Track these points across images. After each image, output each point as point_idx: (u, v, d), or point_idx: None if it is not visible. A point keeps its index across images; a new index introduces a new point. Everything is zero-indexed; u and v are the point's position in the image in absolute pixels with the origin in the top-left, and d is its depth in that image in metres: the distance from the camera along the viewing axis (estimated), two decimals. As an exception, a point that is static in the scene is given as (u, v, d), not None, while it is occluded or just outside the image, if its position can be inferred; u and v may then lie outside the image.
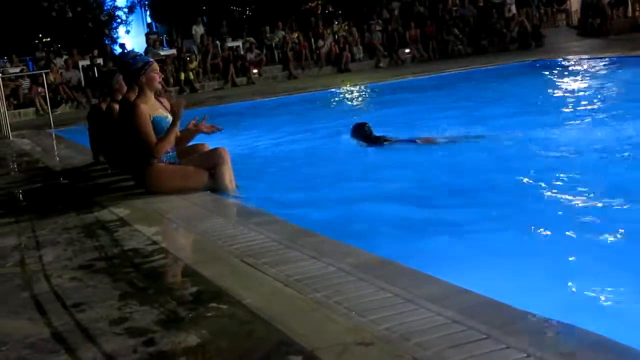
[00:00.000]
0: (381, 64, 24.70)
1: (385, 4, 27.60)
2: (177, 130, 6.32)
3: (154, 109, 6.31)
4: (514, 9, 25.76)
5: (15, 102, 20.74)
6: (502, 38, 25.10)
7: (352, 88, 18.93)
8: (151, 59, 6.66)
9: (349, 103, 17.01)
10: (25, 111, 20.60)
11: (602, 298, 3.62)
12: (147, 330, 3.09)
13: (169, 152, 6.31)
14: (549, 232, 4.79)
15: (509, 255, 4.35)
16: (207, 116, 6.66)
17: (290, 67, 24.29)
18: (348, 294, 3.21)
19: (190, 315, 3.22)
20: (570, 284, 3.80)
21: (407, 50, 25.01)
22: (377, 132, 8.67)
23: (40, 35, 27.74)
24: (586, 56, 19.13)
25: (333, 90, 18.54)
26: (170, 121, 6.28)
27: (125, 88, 7.09)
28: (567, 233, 4.74)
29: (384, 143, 8.48)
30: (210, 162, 6.27)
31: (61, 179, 8.38)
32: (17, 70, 22.11)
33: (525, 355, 2.41)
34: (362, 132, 8.67)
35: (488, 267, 4.10)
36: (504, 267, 4.12)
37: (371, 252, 3.85)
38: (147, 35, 26.29)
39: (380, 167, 7.68)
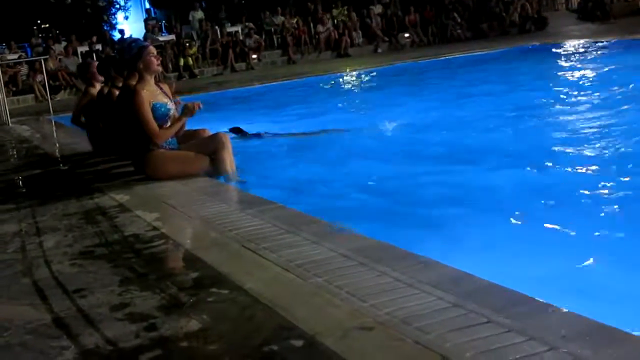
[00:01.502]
0: (379, 49, 24.64)
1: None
2: (183, 124, 6.31)
3: (154, 95, 6.29)
4: (513, -8, 25.70)
5: (14, 88, 20.70)
6: (502, 22, 25.04)
7: (352, 73, 18.90)
8: (147, 43, 6.64)
9: (348, 88, 16.99)
10: (24, 98, 20.56)
11: (604, 283, 3.62)
12: (149, 315, 3.10)
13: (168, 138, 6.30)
14: (550, 216, 4.79)
15: (510, 240, 4.36)
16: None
17: (290, 52, 24.24)
18: (349, 278, 3.22)
19: (191, 300, 3.22)
20: (572, 268, 3.80)
21: (407, 35, 24.95)
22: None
23: (39, 22, 27.64)
24: (586, 40, 19.10)
25: (332, 75, 18.51)
26: (170, 107, 6.28)
27: (99, 77, 7.14)
28: (569, 217, 4.74)
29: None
30: (211, 148, 6.26)
31: (61, 165, 8.38)
32: (16, 56, 22.05)
33: (526, 338, 2.42)
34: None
35: (489, 251, 4.11)
36: (505, 251, 4.12)
37: (372, 237, 3.85)
38: (145, 20, 26.23)
39: (379, 152, 7.66)
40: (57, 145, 10.36)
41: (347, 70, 19.36)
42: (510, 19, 25.08)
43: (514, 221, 4.77)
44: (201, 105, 6.24)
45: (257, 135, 9.06)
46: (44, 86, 18.87)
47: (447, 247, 4.09)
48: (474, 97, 11.08)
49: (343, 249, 3.64)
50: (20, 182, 7.53)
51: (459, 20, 25.28)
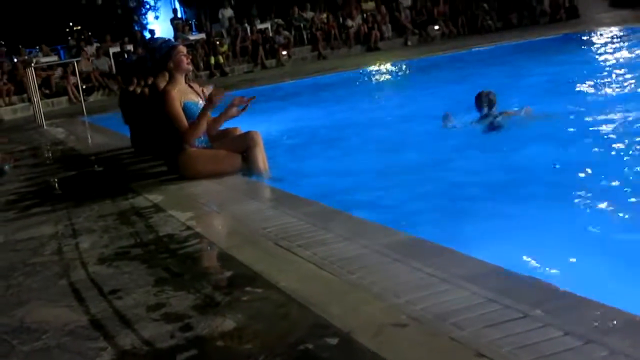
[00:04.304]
0: (409, 42, 24.55)
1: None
2: (209, 117, 6.32)
3: (185, 94, 6.33)
4: (543, -19, 25.42)
5: (47, 91, 20.92)
6: (532, 11, 24.80)
7: (383, 66, 18.84)
8: (176, 43, 6.69)
9: (380, 82, 16.94)
10: (58, 100, 20.78)
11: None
12: (184, 315, 3.11)
13: (200, 137, 6.33)
14: (590, 212, 4.71)
15: (546, 233, 4.30)
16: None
17: (320, 47, 24.24)
18: (383, 274, 3.20)
19: (226, 299, 3.23)
20: (610, 261, 3.74)
21: (436, 27, 24.82)
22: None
23: (71, 24, 27.93)
24: (619, 27, 18.83)
25: (363, 69, 18.45)
26: (201, 106, 6.30)
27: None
28: (609, 213, 4.66)
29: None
30: (243, 145, 6.27)
31: (95, 166, 8.46)
32: (49, 59, 22.28)
33: (563, 333, 2.39)
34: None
35: (525, 245, 4.06)
36: (541, 244, 4.06)
37: (405, 231, 3.83)
38: (172, 20, 26.38)
39: (413, 147, 7.61)
40: (91, 146, 10.47)
41: (378, 64, 19.30)
42: (541, 8, 24.81)
43: (549, 214, 4.71)
44: (221, 93, 6.23)
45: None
46: (77, 88, 19.08)
47: (482, 241, 4.04)
48: (510, 89, 10.94)
49: (376, 244, 3.63)
50: (56, 184, 7.61)
51: (489, 10, 25.09)
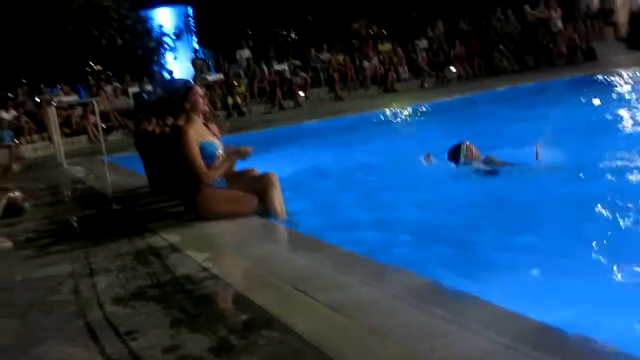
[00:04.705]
0: (426, 84, 24.66)
1: (429, 22, 27.57)
2: (232, 166, 6.40)
3: (202, 134, 6.38)
4: (559, 23, 25.45)
5: (67, 130, 21.12)
6: (549, 53, 24.86)
7: (400, 109, 18.88)
8: (193, 84, 6.77)
9: (397, 124, 16.97)
10: (78, 139, 20.96)
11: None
12: (200, 357, 3.10)
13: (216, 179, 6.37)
14: (610, 260, 4.66)
15: (564, 281, 4.26)
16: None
17: (336, 88, 24.38)
18: (401, 319, 3.19)
19: (242, 342, 3.21)
20: (629, 309, 3.70)
21: (453, 69, 24.91)
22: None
23: (91, 63, 28.25)
24: (637, 69, 18.82)
25: (380, 111, 18.50)
26: (218, 146, 6.36)
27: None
28: (630, 261, 4.61)
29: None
30: (260, 187, 6.29)
31: (114, 204, 8.49)
32: (69, 98, 22.52)
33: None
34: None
35: (543, 292, 4.03)
36: (560, 292, 4.03)
37: (423, 276, 3.82)
38: (192, 60, 26.65)
39: (432, 190, 7.58)
40: (110, 185, 10.52)
41: (395, 105, 19.35)
42: (557, 50, 24.87)
43: (567, 262, 4.66)
44: (251, 151, 6.34)
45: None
46: (96, 127, 19.25)
47: (499, 287, 4.02)
48: (528, 131, 10.90)
49: (394, 289, 3.61)
50: (75, 223, 7.65)
51: (505, 52, 25.18)
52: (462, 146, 8.04)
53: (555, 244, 4.99)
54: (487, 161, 7.91)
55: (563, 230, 5.33)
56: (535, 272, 4.44)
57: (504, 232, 5.53)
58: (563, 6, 25.98)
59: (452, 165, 8.18)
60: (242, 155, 6.32)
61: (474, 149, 8.01)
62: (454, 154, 8.08)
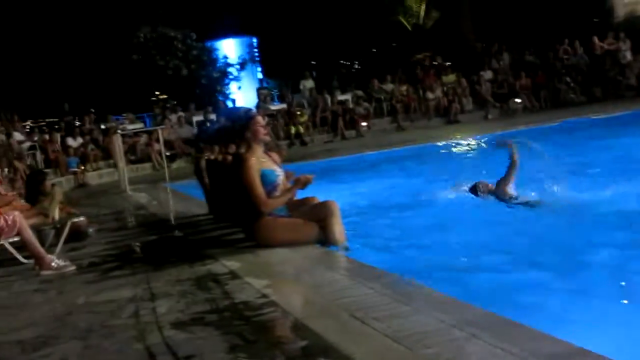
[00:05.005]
0: (489, 116, 24.44)
1: (494, 54, 27.39)
2: (293, 195, 6.42)
3: (263, 162, 6.42)
4: (629, 55, 24.98)
5: (132, 157, 21.53)
6: (617, 85, 24.41)
7: (463, 140, 18.72)
8: (255, 114, 6.83)
9: (459, 155, 16.82)
10: (142, 166, 21.36)
11: None
12: (257, 384, 3.09)
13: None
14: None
15: (624, 314, 4.15)
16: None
17: (399, 119, 24.35)
18: (459, 350, 3.13)
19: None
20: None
21: (518, 100, 24.63)
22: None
23: (157, 93, 28.81)
24: None
25: (442, 142, 18.36)
26: (279, 174, 6.39)
27: None
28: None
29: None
30: (320, 215, 6.29)
31: (176, 231, 8.58)
32: (135, 126, 23.00)
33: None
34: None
35: (604, 325, 3.92)
36: (621, 326, 3.93)
37: (484, 308, 3.75)
38: (258, 89, 26.96)
39: (493, 223, 7.48)
40: (172, 211, 10.65)
41: (458, 137, 19.19)
42: (626, 82, 24.40)
43: (627, 296, 4.54)
44: (312, 179, 6.36)
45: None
46: (160, 155, 19.56)
47: (559, 320, 3.93)
48: (593, 165, 10.70)
49: (453, 319, 3.55)
50: (137, 248, 7.74)
51: (572, 84, 24.82)
52: (478, 185, 8.66)
53: (623, 280, 4.86)
54: (499, 192, 8.41)
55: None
56: (597, 305, 4.34)
57: (566, 267, 5.41)
58: (632, 38, 25.52)
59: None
60: (303, 184, 6.34)
61: (488, 185, 8.58)
62: (473, 190, 8.67)
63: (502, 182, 8.39)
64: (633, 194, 7.66)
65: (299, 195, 6.67)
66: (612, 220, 6.82)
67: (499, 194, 8.38)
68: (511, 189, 8.34)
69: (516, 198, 8.24)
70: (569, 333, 3.20)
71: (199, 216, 9.29)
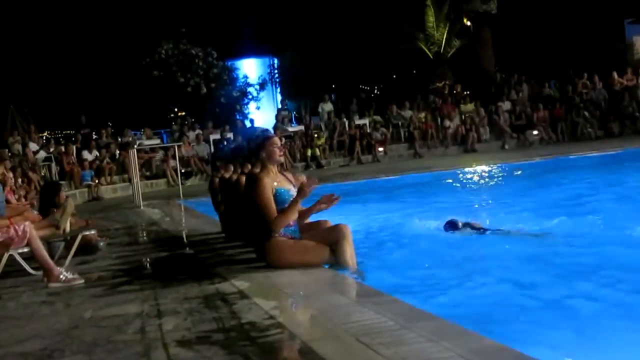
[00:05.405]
0: (507, 146, 24.41)
1: (514, 85, 27.40)
2: (299, 207, 6.37)
3: (278, 181, 6.40)
4: (647, 91, 24.97)
5: (147, 173, 21.60)
6: (635, 121, 24.35)
7: (479, 168, 18.67)
8: (271, 134, 6.82)
9: (475, 184, 16.77)
10: (156, 182, 21.42)
11: None
12: (259, 406, 3.05)
13: (291, 226, 6.36)
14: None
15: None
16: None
17: (416, 146, 24.35)
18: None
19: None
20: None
21: (535, 132, 24.60)
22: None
23: (176, 110, 28.97)
24: None
25: (459, 170, 18.32)
26: (294, 194, 6.35)
27: None
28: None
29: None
30: (332, 238, 6.26)
31: (187, 248, 8.57)
32: (151, 142, 23.09)
33: None
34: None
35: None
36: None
37: (492, 338, 3.70)
38: (279, 110, 27.03)
39: (502, 254, 7.42)
40: (184, 228, 10.65)
41: (474, 165, 19.14)
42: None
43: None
44: (337, 200, 6.31)
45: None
46: (176, 171, 19.62)
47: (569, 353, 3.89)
48: (609, 200, 10.62)
49: (460, 348, 3.51)
50: (147, 264, 7.74)
51: (590, 118, 24.75)
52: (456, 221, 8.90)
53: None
54: (471, 226, 8.75)
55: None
56: (608, 338, 4.28)
57: (576, 298, 5.36)
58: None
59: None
60: (306, 190, 6.21)
61: (459, 222, 8.86)
62: (451, 225, 8.87)
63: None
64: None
65: (312, 218, 6.65)
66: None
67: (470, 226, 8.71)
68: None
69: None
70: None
71: (211, 234, 9.29)
